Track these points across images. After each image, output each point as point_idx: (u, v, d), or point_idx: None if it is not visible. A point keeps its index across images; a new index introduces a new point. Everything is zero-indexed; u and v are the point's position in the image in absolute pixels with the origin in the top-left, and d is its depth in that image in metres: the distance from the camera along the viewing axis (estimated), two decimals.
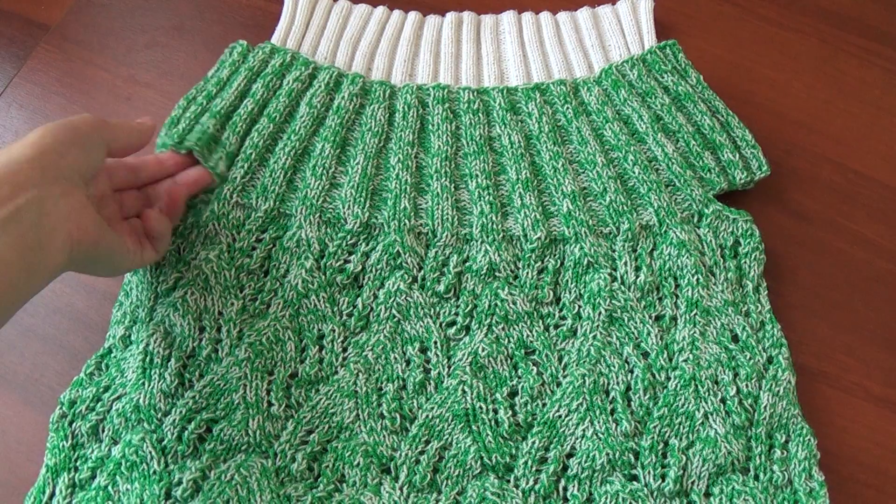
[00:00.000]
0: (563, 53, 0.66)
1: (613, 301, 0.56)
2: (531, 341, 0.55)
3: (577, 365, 0.54)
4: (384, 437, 0.52)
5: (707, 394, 0.53)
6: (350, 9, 0.68)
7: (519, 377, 0.54)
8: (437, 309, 0.56)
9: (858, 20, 0.73)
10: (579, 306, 0.56)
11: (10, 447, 0.54)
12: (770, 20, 0.72)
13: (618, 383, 0.54)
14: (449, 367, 0.54)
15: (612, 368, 0.54)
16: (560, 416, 0.53)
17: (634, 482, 0.51)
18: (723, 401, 0.53)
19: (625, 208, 0.58)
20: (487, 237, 0.57)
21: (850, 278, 0.61)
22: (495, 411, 0.53)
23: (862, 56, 0.71)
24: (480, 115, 0.62)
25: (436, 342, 0.55)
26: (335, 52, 0.66)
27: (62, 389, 0.53)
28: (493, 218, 0.58)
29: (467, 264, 0.57)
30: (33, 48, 0.69)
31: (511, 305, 0.55)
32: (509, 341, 0.55)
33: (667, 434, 0.52)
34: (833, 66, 0.70)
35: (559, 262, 0.57)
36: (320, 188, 0.58)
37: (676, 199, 0.59)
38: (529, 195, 0.59)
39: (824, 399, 0.57)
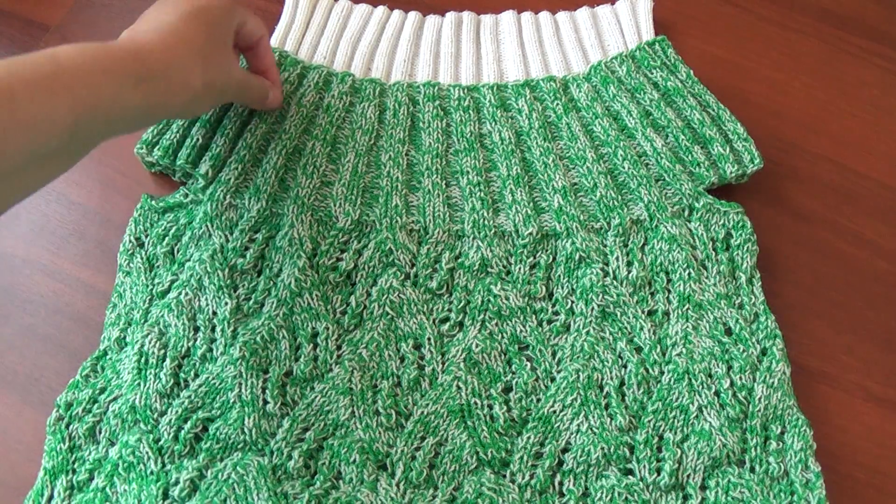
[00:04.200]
0: (563, 53, 0.66)
1: (606, 296, 0.56)
2: (525, 337, 0.55)
3: (570, 360, 0.54)
4: (380, 433, 0.52)
5: (701, 387, 0.53)
6: (350, 9, 0.68)
7: (513, 373, 0.54)
8: (431, 305, 0.56)
9: (858, 20, 0.72)
10: (572, 301, 0.56)
11: (10, 447, 0.54)
12: (770, 20, 0.72)
13: (611, 378, 0.54)
14: (443, 364, 0.54)
15: (606, 363, 0.54)
16: (555, 412, 0.53)
17: (630, 476, 0.51)
18: (717, 394, 0.53)
19: (615, 203, 0.58)
20: (479, 233, 0.57)
21: (850, 278, 0.61)
22: (490, 407, 0.53)
23: (862, 56, 0.71)
24: (471, 112, 0.62)
25: (429, 339, 0.55)
26: (335, 52, 0.66)
27: (62, 389, 0.53)
28: (485, 214, 0.58)
29: (459, 260, 0.57)
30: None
31: (504, 301, 0.55)
32: (503, 337, 0.55)
33: (661, 428, 0.52)
34: (833, 66, 0.70)
35: (551, 257, 0.57)
36: (312, 187, 0.58)
37: (667, 193, 0.59)
38: (520, 191, 0.59)
39: (824, 399, 0.57)
